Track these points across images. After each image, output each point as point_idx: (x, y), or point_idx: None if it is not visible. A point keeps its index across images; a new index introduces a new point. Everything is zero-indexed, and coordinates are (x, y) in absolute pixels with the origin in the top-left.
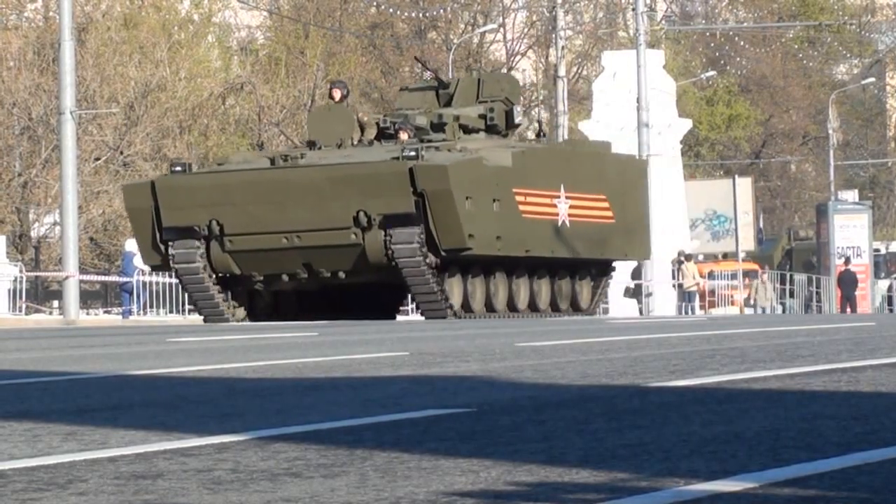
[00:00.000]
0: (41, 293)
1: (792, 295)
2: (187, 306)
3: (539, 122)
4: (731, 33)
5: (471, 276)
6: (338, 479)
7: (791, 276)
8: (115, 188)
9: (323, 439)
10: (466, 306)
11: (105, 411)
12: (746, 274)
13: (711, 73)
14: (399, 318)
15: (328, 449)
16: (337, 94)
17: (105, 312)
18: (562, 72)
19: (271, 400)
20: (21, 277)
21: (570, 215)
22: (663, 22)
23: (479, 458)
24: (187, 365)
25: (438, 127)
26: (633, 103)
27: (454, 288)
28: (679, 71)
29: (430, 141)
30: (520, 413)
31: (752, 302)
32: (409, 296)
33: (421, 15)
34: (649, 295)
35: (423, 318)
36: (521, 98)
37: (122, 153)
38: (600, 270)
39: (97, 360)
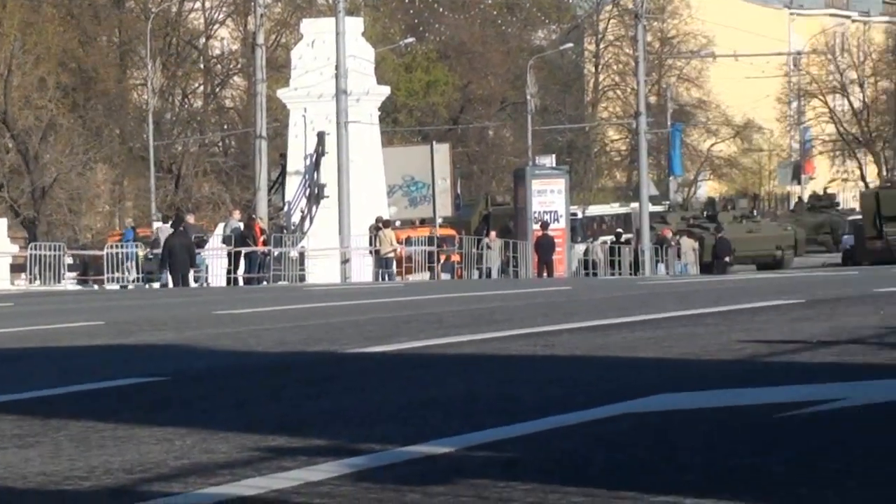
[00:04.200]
0: None
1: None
2: None
3: None
4: (430, 0)
5: None
6: (32, 450)
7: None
8: None
9: (18, 409)
10: None
11: None
12: (444, 240)
13: (410, 39)
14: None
15: (23, 419)
16: None
17: None
18: (260, 40)
19: None
20: None
21: None
22: None
23: (175, 427)
24: None
25: None
26: (332, 71)
27: None
28: (378, 38)
29: None
30: (216, 381)
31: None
32: None
33: None
34: (346, 261)
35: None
36: (220, 67)
37: None
38: None
39: None
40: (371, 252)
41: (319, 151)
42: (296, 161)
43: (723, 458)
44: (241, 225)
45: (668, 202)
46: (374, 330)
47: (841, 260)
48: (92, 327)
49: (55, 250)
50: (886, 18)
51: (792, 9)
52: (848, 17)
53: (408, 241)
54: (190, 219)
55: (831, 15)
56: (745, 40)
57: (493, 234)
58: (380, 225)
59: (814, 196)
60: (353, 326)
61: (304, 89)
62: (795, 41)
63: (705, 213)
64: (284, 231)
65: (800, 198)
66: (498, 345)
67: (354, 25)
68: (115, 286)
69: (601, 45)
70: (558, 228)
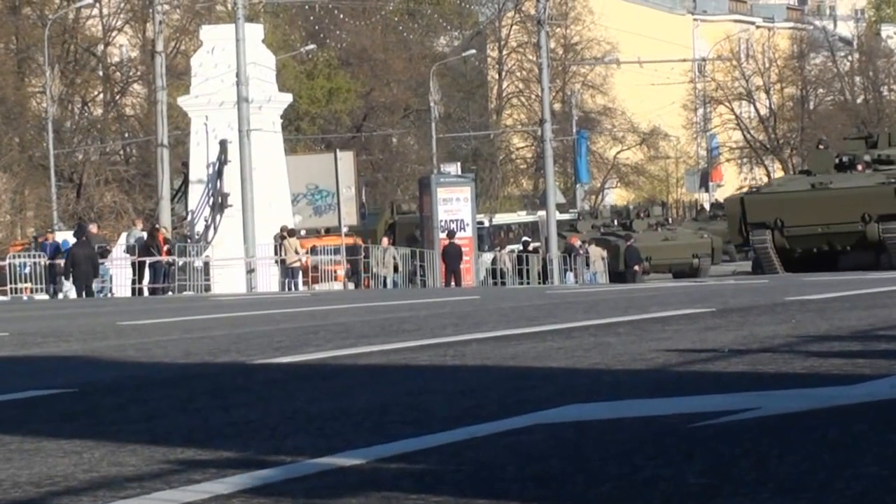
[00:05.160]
0: None
1: (396, 269)
2: None
3: None
4: (330, 6)
5: None
6: None
7: (396, 249)
8: None
9: None
10: None
11: None
12: (350, 249)
13: (311, 46)
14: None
15: None
16: None
17: None
18: (159, 47)
19: None
20: None
21: None
22: None
23: (83, 439)
24: None
25: None
26: (233, 78)
27: None
28: (278, 45)
29: None
30: (123, 392)
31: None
32: None
33: None
34: (252, 271)
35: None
36: (119, 75)
37: None
38: None
39: None
40: (277, 261)
41: (222, 160)
42: (198, 169)
43: (637, 468)
44: (145, 234)
45: (575, 210)
46: (282, 340)
47: (751, 268)
48: None
49: None
50: (790, 24)
51: (696, 15)
52: (752, 23)
53: (313, 251)
54: (92, 228)
55: (735, 21)
56: (649, 47)
57: (385, 240)
58: (285, 234)
59: (717, 204)
60: (261, 337)
61: (205, 97)
62: (700, 47)
63: (615, 220)
64: (188, 240)
65: (702, 206)
66: (407, 355)
67: (254, 32)
68: (24, 297)
69: (504, 52)
70: (465, 237)
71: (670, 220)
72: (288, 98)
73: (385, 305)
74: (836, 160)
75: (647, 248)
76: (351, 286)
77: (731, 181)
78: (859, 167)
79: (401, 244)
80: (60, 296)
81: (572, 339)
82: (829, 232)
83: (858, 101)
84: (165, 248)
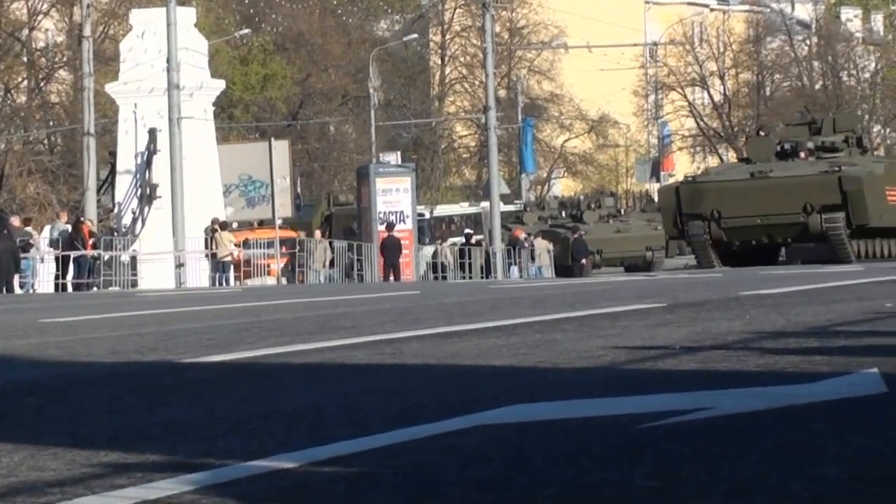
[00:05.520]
0: None
1: (332, 264)
2: None
3: None
4: None
5: None
6: None
7: (331, 243)
8: None
9: None
10: None
11: None
12: (284, 242)
13: (246, 31)
14: None
15: None
16: None
17: None
18: (87, 31)
19: None
20: None
21: None
22: None
23: (1, 443)
24: None
25: None
26: (163, 63)
27: None
28: (211, 29)
29: None
30: (44, 393)
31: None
32: None
33: None
34: (181, 266)
35: None
36: (45, 60)
37: None
38: None
39: None
40: (207, 256)
41: (151, 149)
42: (126, 160)
43: (582, 471)
44: (69, 227)
45: (520, 201)
46: (212, 338)
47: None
48: None
49: None
50: (746, 7)
51: None
52: (706, 6)
53: (246, 244)
54: (14, 221)
55: (689, 4)
56: (598, 31)
57: (317, 233)
58: (216, 227)
59: None
60: (190, 334)
61: (134, 83)
62: (652, 31)
63: (563, 212)
64: (115, 234)
65: (651, 196)
66: (344, 353)
67: (186, 16)
68: None
69: (447, 36)
70: (405, 229)
71: (622, 211)
72: (221, 85)
73: (321, 301)
74: (778, 147)
75: (598, 240)
76: (284, 281)
77: (684, 170)
78: (802, 155)
79: (338, 237)
80: None
81: (516, 335)
82: (769, 224)
83: (817, 86)
84: (91, 241)
